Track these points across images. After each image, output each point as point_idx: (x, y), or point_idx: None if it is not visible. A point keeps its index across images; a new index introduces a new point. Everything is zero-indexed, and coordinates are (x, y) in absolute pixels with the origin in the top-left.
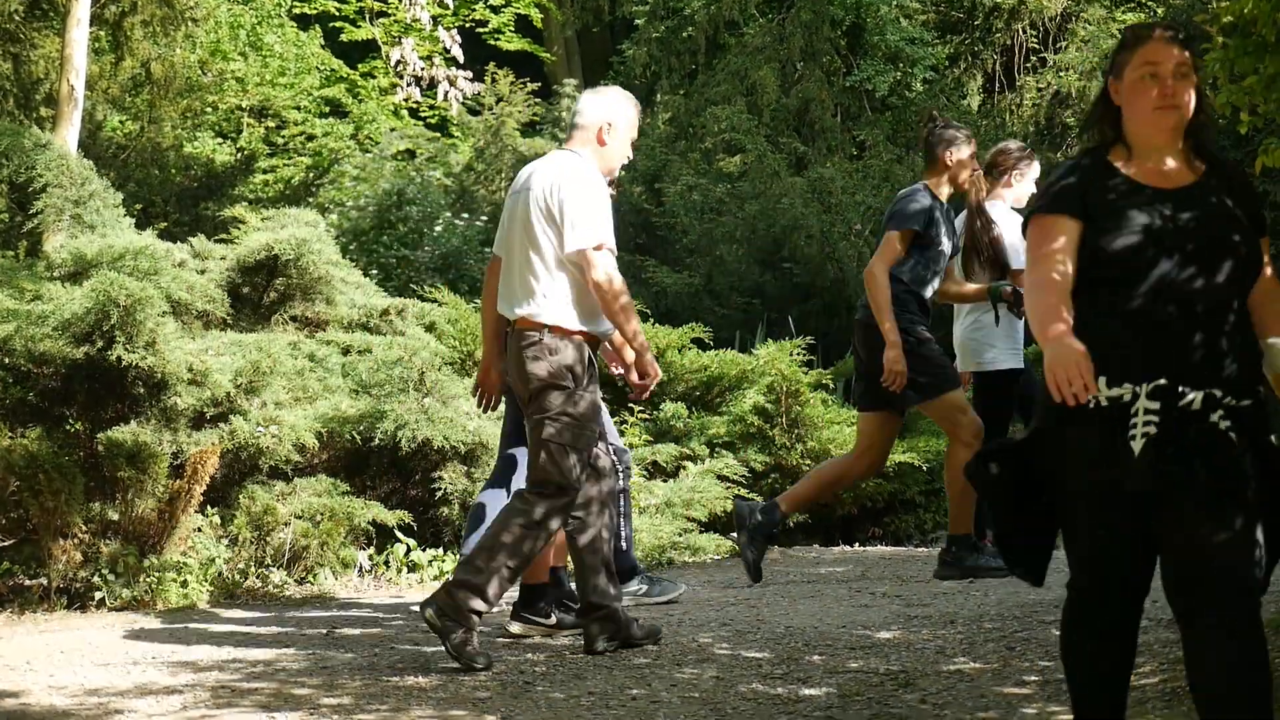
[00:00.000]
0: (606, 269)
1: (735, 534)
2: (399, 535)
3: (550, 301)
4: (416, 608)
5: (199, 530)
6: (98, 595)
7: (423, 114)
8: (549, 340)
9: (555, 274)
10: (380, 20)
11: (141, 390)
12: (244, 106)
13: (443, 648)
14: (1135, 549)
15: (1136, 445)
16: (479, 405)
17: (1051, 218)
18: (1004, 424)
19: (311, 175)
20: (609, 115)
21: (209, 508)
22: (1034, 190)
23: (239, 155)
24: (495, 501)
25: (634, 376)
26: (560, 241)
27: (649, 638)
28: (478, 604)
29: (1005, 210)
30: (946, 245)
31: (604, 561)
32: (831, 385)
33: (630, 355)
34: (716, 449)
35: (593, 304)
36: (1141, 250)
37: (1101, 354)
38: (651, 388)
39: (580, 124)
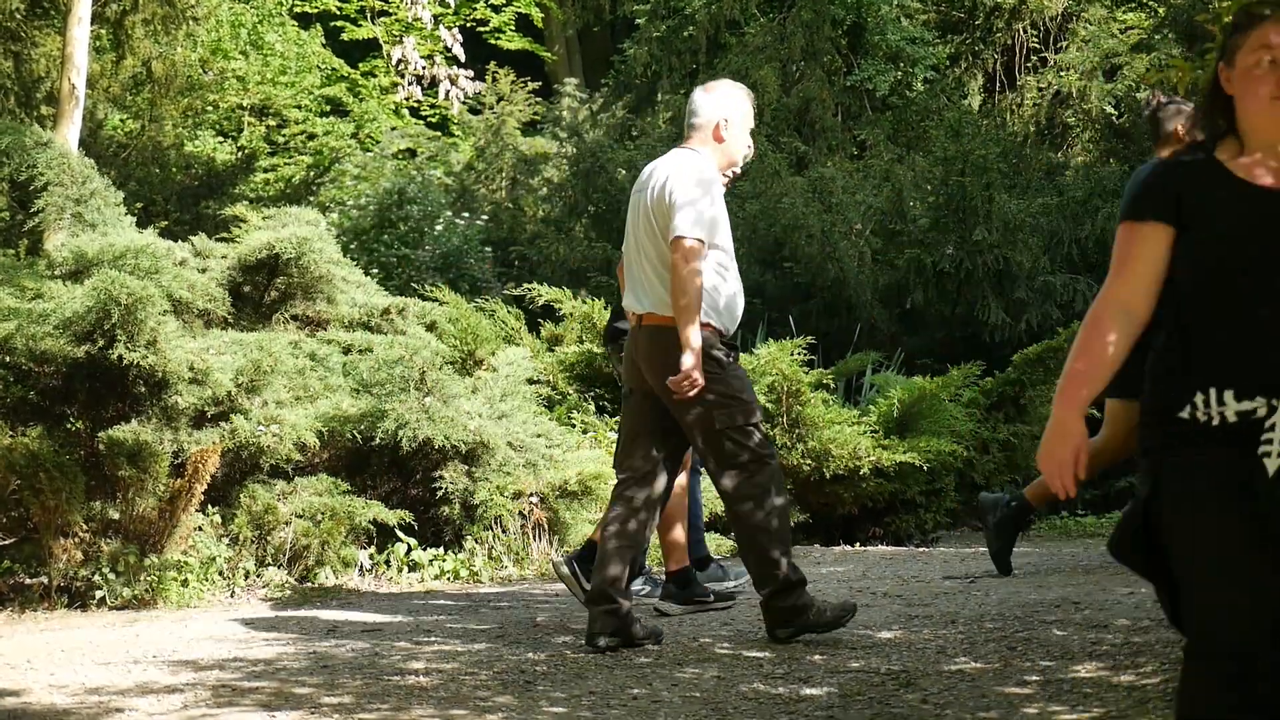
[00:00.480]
0: (686, 262)
1: (980, 526)
2: (400, 534)
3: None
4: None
5: (200, 529)
6: (98, 594)
7: (423, 113)
8: (678, 335)
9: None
10: (381, 19)
11: (142, 389)
12: (245, 105)
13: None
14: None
15: (1271, 465)
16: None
17: (1138, 225)
18: None
19: (312, 174)
20: (724, 111)
21: (210, 507)
22: None
23: (240, 154)
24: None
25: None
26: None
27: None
28: (798, 596)
29: None
30: None
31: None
32: (832, 385)
33: (689, 360)
34: None
35: (717, 297)
36: (1266, 255)
37: (1225, 365)
38: (686, 392)
39: (696, 123)
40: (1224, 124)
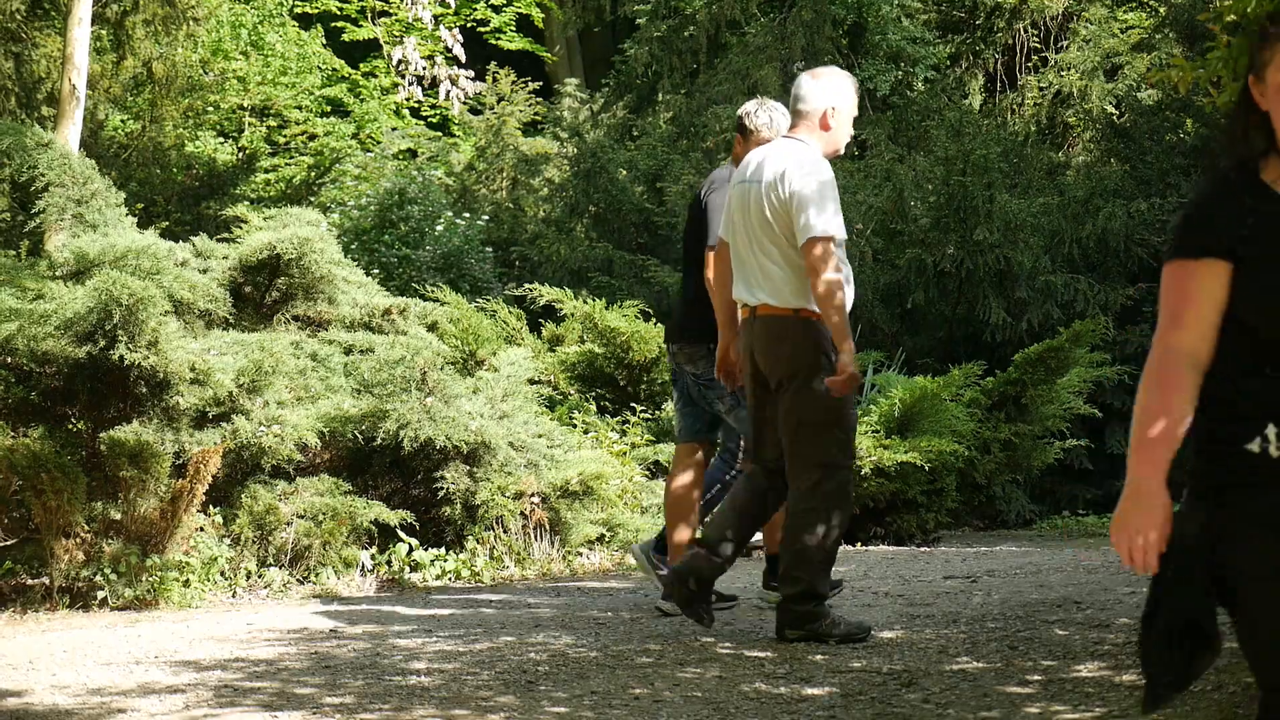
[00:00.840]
0: (826, 262)
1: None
2: (401, 535)
3: (791, 287)
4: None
5: (201, 530)
6: (100, 594)
7: (424, 113)
8: (796, 324)
9: (791, 261)
10: (382, 20)
11: (144, 390)
12: (245, 106)
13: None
14: None
15: None
16: (728, 386)
17: (1191, 264)
18: None
19: (313, 174)
20: (832, 99)
21: (211, 507)
22: None
23: (241, 154)
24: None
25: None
26: (791, 230)
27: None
28: (817, 604)
29: None
30: None
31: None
32: None
33: (846, 358)
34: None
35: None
36: None
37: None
38: (844, 389)
39: (804, 110)
40: (1264, 143)
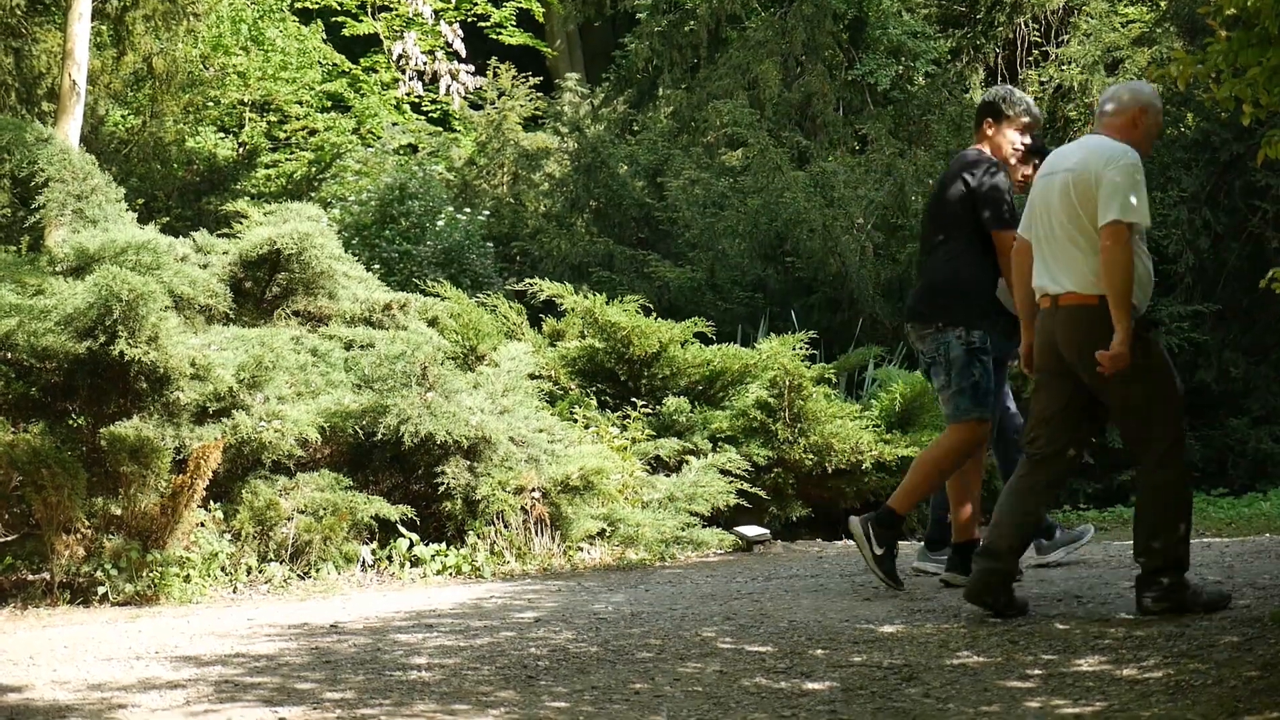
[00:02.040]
0: (1119, 246)
1: None
2: (402, 530)
3: (1098, 277)
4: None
5: (202, 525)
6: (100, 590)
7: (425, 108)
8: (1105, 314)
9: (1098, 250)
10: (382, 14)
11: (144, 385)
12: (246, 101)
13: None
14: None
15: None
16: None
17: None
18: None
19: (313, 170)
20: (1143, 103)
21: (211, 503)
22: None
23: (241, 150)
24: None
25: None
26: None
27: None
28: (1176, 575)
29: None
30: None
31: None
32: (834, 380)
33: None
34: (719, 443)
35: (1137, 277)
36: None
37: None
38: (1115, 369)
39: (1113, 110)
40: None
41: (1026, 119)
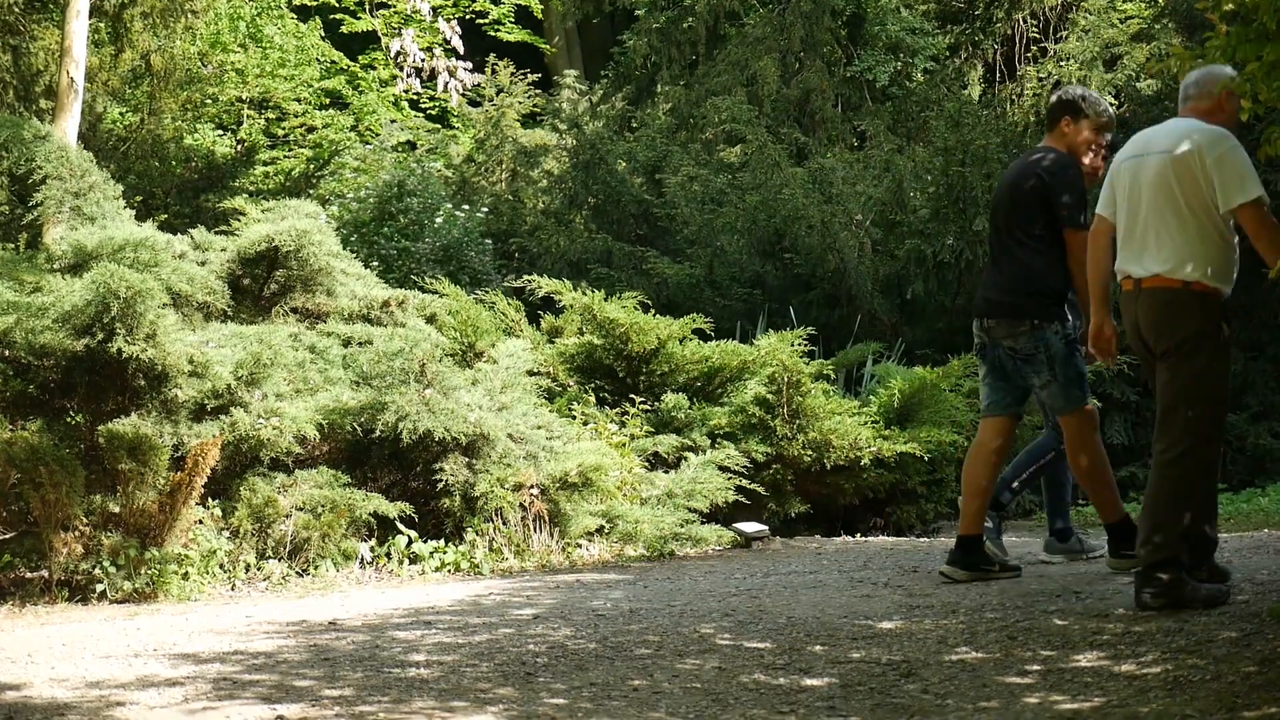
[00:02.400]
0: (1264, 223)
1: None
2: (400, 527)
3: (1185, 260)
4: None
5: (200, 522)
6: (99, 587)
7: (423, 105)
8: (1185, 296)
9: (1189, 233)
10: (380, 11)
11: (142, 382)
12: (244, 98)
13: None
14: None
15: None
16: (1104, 362)
17: None
18: None
19: (312, 167)
20: (1227, 86)
21: (210, 500)
22: None
23: (239, 147)
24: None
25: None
26: (1197, 200)
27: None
28: (1175, 571)
29: None
30: None
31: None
32: (833, 376)
33: None
34: (718, 440)
35: (1224, 262)
36: None
37: None
38: None
39: (1198, 94)
40: None
41: (1104, 119)
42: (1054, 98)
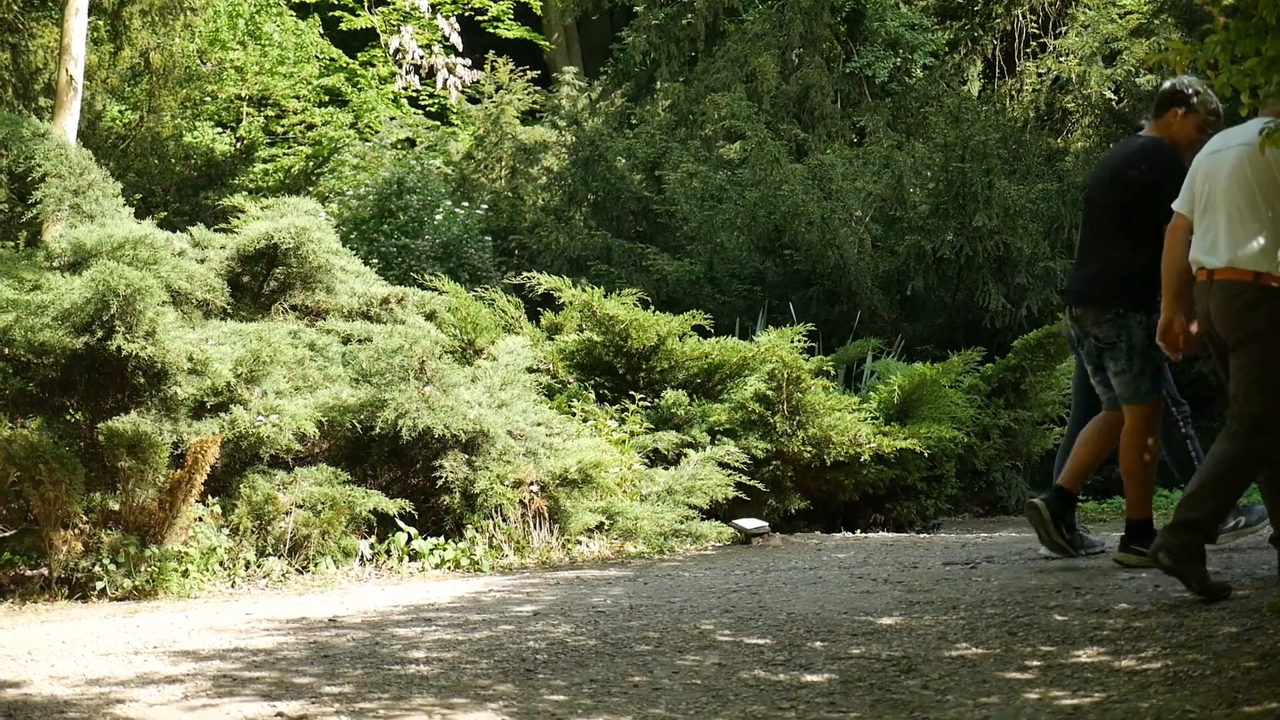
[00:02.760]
0: None
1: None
2: (400, 524)
3: (1257, 253)
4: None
5: (200, 520)
6: (99, 585)
7: (422, 102)
8: (1253, 289)
9: (1263, 225)
10: (379, 8)
11: (141, 380)
12: (243, 96)
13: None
14: None
15: None
16: (1171, 355)
17: None
18: None
19: (311, 164)
20: None
21: (210, 497)
22: None
23: (238, 145)
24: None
25: None
26: (1278, 192)
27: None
28: (1202, 539)
29: None
30: None
31: None
32: (833, 372)
33: None
34: (718, 436)
35: None
36: None
37: None
38: None
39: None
40: None
41: (1213, 116)
42: (1167, 85)
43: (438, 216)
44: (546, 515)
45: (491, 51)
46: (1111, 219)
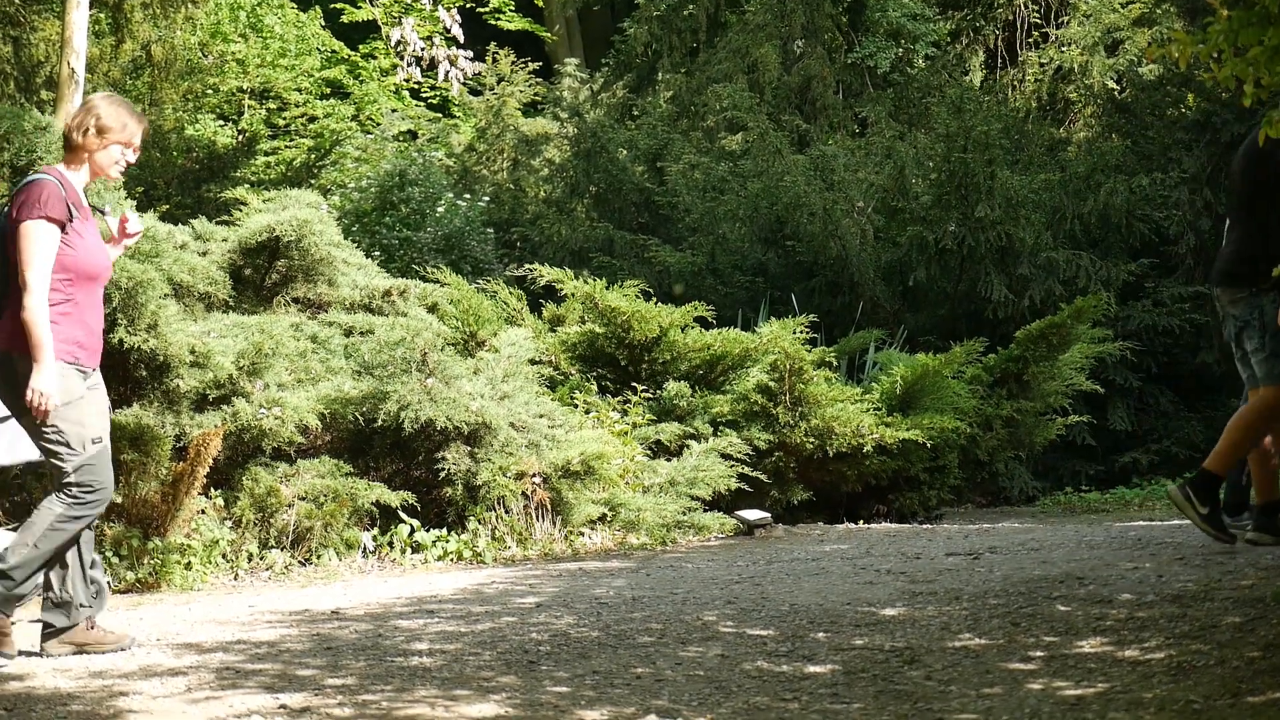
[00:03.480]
0: None
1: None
2: (402, 516)
3: None
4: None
5: (203, 512)
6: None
7: (424, 94)
8: None
9: None
10: (380, 1)
11: (144, 373)
12: (245, 88)
13: None
14: None
15: None
16: None
17: None
18: None
19: (313, 157)
20: None
21: (212, 490)
22: None
23: (240, 137)
24: None
25: None
26: None
27: None
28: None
29: None
30: None
31: None
32: (835, 363)
33: None
34: (720, 428)
35: None
36: None
37: None
38: None
39: None
40: None
41: None
42: None
43: (440, 209)
44: (549, 507)
45: (493, 43)
46: (1255, 201)
